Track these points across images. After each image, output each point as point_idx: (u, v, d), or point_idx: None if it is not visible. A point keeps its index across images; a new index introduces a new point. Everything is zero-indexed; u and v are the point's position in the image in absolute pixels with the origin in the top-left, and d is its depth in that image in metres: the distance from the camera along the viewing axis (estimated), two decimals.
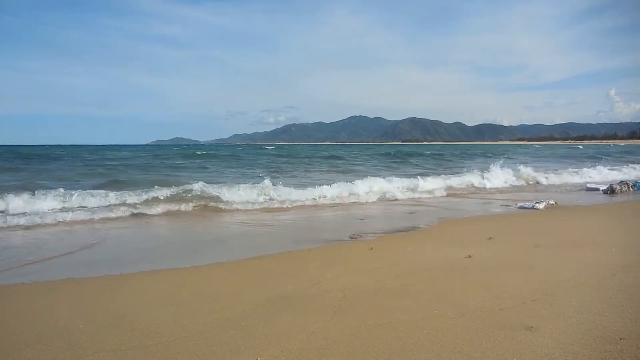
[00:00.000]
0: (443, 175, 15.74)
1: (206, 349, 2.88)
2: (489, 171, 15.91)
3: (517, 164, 18.33)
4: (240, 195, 10.75)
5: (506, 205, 10.22)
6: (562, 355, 2.68)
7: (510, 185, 15.25)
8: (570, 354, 2.70)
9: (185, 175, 18.38)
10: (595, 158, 33.81)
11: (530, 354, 2.71)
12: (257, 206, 10.08)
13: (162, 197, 10.04)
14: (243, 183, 11.89)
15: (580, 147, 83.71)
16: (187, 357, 2.78)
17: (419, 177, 14.14)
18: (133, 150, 63.10)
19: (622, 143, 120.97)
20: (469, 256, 5.16)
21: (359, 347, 2.85)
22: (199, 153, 41.24)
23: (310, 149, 64.35)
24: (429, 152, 53.34)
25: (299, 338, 3.01)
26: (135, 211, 9.03)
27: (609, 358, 2.64)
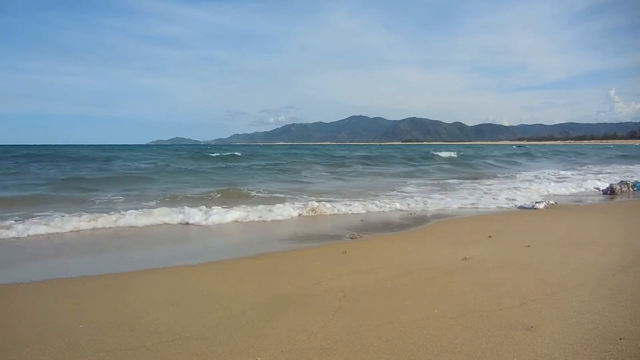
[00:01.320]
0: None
1: (206, 349, 2.88)
2: None
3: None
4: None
5: (506, 205, 10.21)
6: (562, 355, 2.68)
7: None
8: (570, 354, 2.70)
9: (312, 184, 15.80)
10: None
11: (530, 354, 2.71)
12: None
13: None
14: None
15: (612, 146, 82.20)
16: (187, 357, 2.78)
17: None
18: (142, 150, 62.08)
19: (638, 143, 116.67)
20: (469, 256, 5.15)
21: (359, 347, 2.85)
22: (223, 154, 38.15)
23: (334, 150, 62.34)
24: (464, 152, 47.60)
25: (299, 338, 3.01)
26: None
27: (609, 358, 2.64)
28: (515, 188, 13.20)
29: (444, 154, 39.65)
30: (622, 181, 13.31)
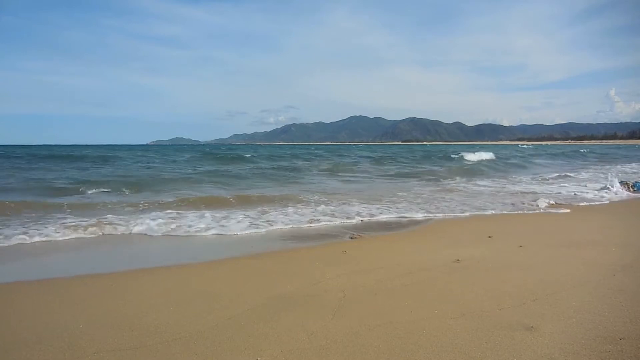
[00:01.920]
0: None
1: (206, 349, 2.88)
2: None
3: None
4: None
5: (507, 204, 10.21)
6: (562, 355, 2.68)
7: None
8: (570, 354, 2.70)
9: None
10: None
11: (530, 354, 2.71)
12: None
13: None
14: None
15: (622, 146, 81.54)
16: (187, 357, 2.78)
17: None
18: (154, 150, 60.97)
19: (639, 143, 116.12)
20: (469, 256, 5.15)
21: (359, 347, 2.85)
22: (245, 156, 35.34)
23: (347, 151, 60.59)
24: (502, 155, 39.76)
25: (299, 338, 3.01)
26: None
27: (609, 358, 2.64)
28: None
29: (471, 157, 32.86)
30: (621, 181, 13.31)
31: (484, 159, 31.79)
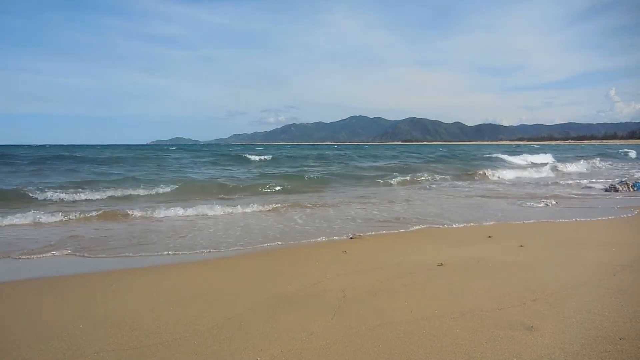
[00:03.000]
0: None
1: (206, 349, 2.88)
2: None
3: None
4: None
5: (509, 204, 10.21)
6: (562, 355, 2.68)
7: None
8: (570, 354, 2.70)
9: None
10: None
11: (530, 354, 2.71)
12: None
13: None
14: None
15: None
16: (187, 357, 2.78)
17: None
18: (150, 149, 61.00)
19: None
20: (469, 256, 5.15)
21: (359, 347, 2.85)
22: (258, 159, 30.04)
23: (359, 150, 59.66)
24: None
25: (299, 338, 3.01)
26: None
27: (609, 358, 2.64)
28: None
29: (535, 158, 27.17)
30: (621, 181, 13.32)
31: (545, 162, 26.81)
